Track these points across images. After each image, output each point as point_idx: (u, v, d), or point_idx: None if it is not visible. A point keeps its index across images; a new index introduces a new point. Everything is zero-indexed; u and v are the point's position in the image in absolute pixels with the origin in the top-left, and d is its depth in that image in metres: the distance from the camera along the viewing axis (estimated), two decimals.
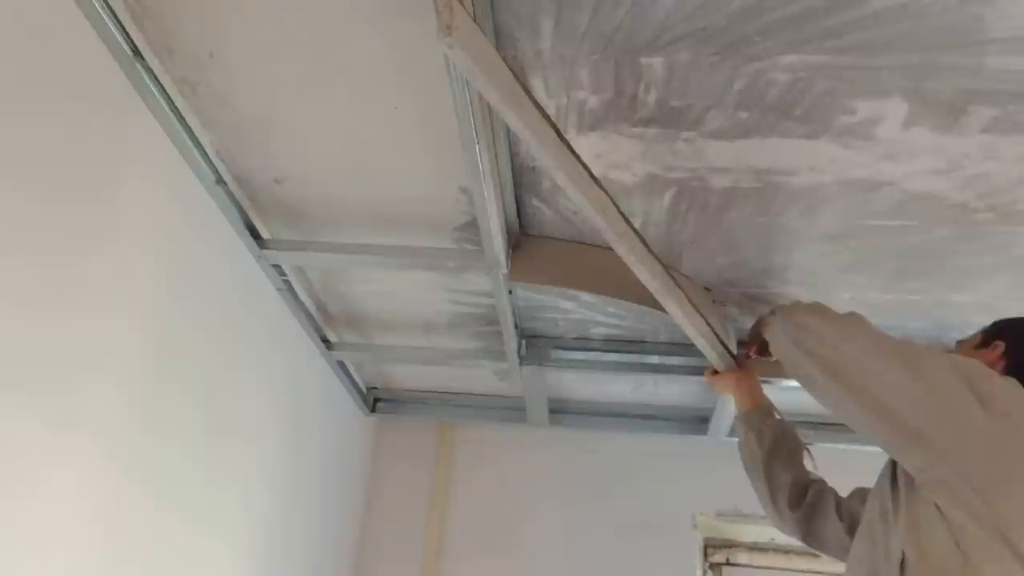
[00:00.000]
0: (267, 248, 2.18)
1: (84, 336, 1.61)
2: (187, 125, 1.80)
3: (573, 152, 1.63)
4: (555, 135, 1.58)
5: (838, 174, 1.85)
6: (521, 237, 2.20)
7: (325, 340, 2.78)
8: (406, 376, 3.38)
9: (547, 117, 1.55)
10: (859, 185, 1.87)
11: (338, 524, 3.22)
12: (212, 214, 2.02)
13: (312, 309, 2.64)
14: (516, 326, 2.65)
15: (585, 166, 1.66)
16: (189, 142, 1.82)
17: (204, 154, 1.88)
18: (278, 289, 2.37)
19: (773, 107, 1.67)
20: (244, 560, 2.39)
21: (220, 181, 1.95)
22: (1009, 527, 1.33)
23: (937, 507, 1.42)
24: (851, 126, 1.70)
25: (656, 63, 1.58)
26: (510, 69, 1.43)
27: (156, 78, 1.69)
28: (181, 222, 1.91)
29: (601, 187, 1.71)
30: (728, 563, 3.81)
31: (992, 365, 1.60)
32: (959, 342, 1.84)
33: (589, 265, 2.26)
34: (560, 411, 3.37)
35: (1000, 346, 1.67)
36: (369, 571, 3.40)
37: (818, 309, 1.85)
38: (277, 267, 2.29)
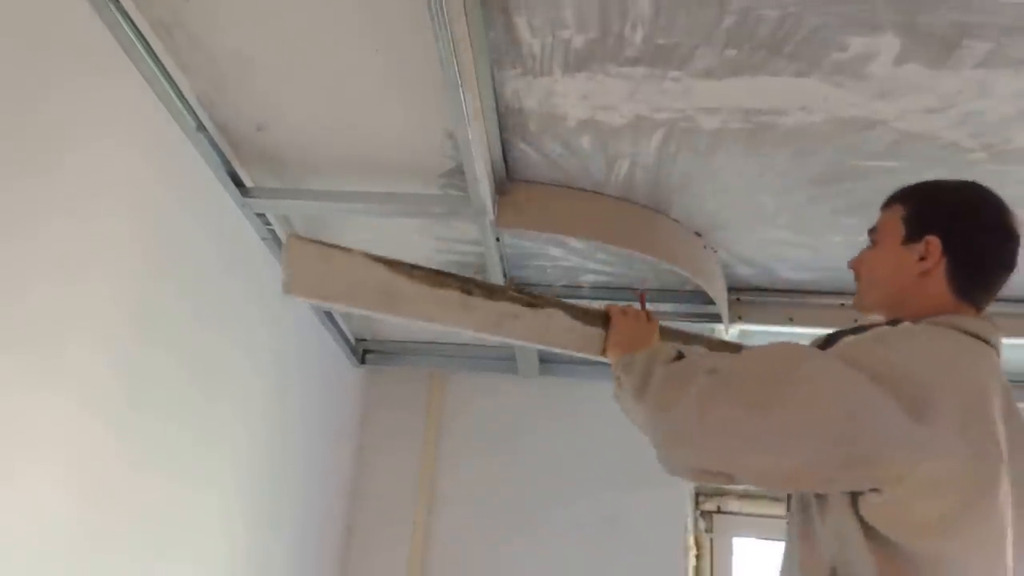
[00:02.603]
0: (250, 196, 2.16)
1: (59, 293, 1.59)
2: (165, 69, 1.78)
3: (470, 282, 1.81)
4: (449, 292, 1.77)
5: (829, 113, 1.83)
6: (508, 183, 2.18)
7: None
8: (395, 327, 3.36)
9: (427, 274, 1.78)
10: (851, 125, 1.86)
11: (329, 477, 3.23)
12: (193, 162, 1.99)
13: None
14: (505, 274, 2.64)
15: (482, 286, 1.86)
16: (168, 87, 1.79)
17: (184, 100, 1.85)
18: (263, 239, 2.34)
19: (763, 44, 1.65)
20: (235, 517, 2.39)
21: (201, 128, 1.92)
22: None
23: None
24: (843, 63, 1.68)
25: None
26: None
27: (131, 21, 1.66)
28: (160, 171, 1.88)
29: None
30: (719, 511, 3.83)
31: (928, 274, 1.38)
32: (872, 232, 1.51)
33: (577, 209, 2.24)
34: (550, 361, 3.38)
35: (935, 243, 1.38)
36: (361, 523, 3.42)
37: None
38: (261, 216, 2.27)
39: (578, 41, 1.68)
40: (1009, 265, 1.38)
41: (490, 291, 1.89)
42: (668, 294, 2.72)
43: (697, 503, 3.69)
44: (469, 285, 1.85)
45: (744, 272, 2.59)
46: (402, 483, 3.45)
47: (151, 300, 1.88)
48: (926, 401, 1.16)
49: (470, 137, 1.82)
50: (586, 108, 1.88)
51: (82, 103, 1.61)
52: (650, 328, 1.87)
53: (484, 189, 2.03)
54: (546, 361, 3.37)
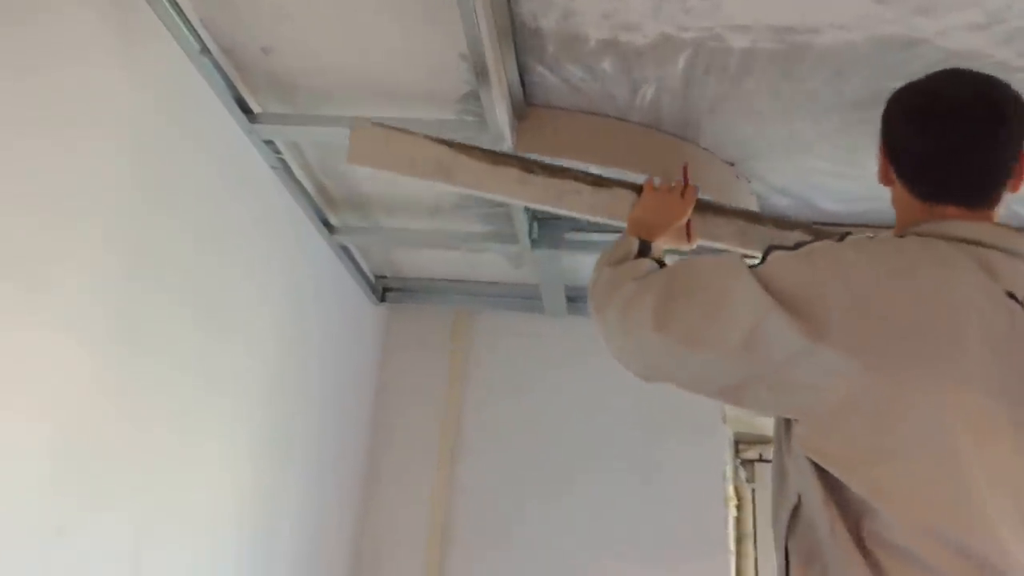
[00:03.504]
0: (258, 122, 2.17)
1: (44, 224, 1.58)
2: None
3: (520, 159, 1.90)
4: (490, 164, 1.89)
5: (867, 31, 1.80)
6: (526, 108, 2.17)
7: (327, 224, 2.79)
8: (416, 263, 3.39)
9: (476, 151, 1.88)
10: (890, 44, 1.82)
11: (347, 421, 3.29)
12: (197, 87, 2.00)
13: (311, 190, 2.64)
14: (526, 208, 2.64)
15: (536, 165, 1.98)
16: (168, 7, 1.79)
17: (186, 20, 1.85)
18: (272, 168, 2.36)
19: None
20: (242, 464, 2.43)
21: (204, 50, 1.93)
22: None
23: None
24: None
25: None
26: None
27: None
28: (160, 95, 1.89)
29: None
30: (761, 459, 3.84)
31: (893, 185, 1.39)
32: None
33: (601, 136, 2.23)
34: (579, 299, 3.37)
35: (882, 151, 1.41)
36: (381, 469, 3.47)
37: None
38: (270, 144, 2.28)
39: None
40: (956, 146, 1.29)
41: (552, 171, 2.05)
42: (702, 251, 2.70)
43: (737, 451, 3.69)
44: (531, 165, 2.03)
45: (781, 203, 2.56)
46: (424, 427, 3.49)
47: (146, 233, 1.88)
48: (826, 319, 1.18)
49: (485, 59, 1.81)
50: (607, 27, 1.86)
51: (71, 22, 1.61)
52: (680, 204, 1.91)
53: (501, 114, 2.03)
54: (574, 300, 3.37)
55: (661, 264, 1.58)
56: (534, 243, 2.78)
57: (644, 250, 1.64)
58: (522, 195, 2.03)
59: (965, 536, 1.08)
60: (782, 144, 2.26)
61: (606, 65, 1.99)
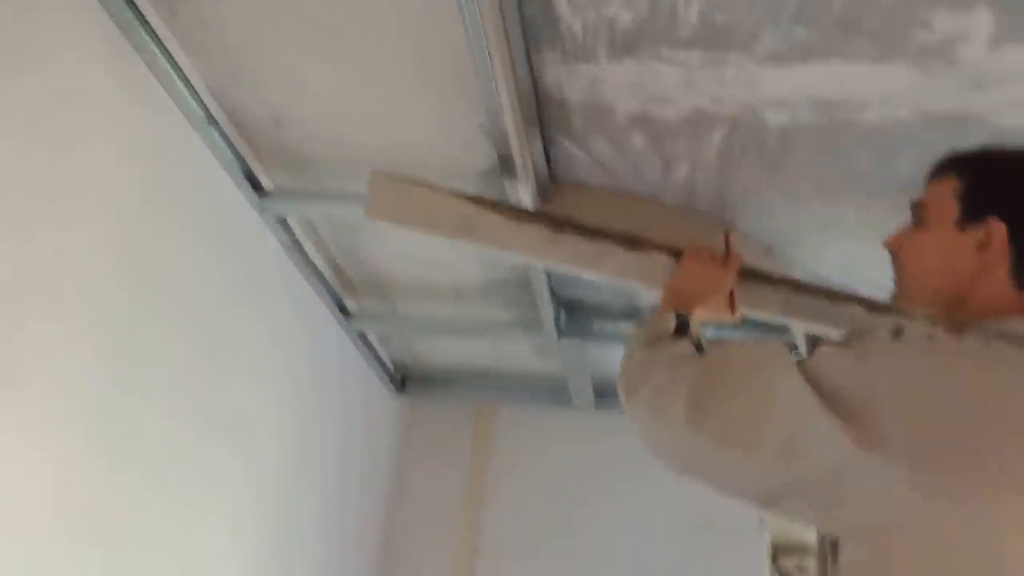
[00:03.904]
0: (268, 198, 2.10)
1: (14, 320, 1.47)
2: (167, 51, 1.72)
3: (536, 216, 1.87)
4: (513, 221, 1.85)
5: (916, 106, 1.71)
6: (552, 185, 2.09)
7: (343, 308, 2.71)
8: (438, 351, 3.30)
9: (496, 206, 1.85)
10: (942, 121, 1.73)
11: (361, 517, 3.16)
12: (202, 159, 1.93)
13: (326, 272, 2.56)
14: (552, 292, 2.56)
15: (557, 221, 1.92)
16: (171, 71, 1.74)
17: (191, 87, 1.80)
18: (284, 247, 2.29)
19: (838, 22, 1.53)
20: (249, 553, 2.30)
21: (211, 120, 1.87)
22: None
23: None
24: (929, 45, 1.55)
25: None
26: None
27: None
28: (160, 166, 1.82)
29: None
30: (799, 569, 3.69)
31: (987, 267, 1.25)
32: (918, 207, 1.41)
33: (632, 217, 2.13)
34: (608, 394, 3.28)
35: (998, 228, 1.24)
36: (396, 569, 3.33)
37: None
38: (282, 221, 2.21)
39: (625, 18, 1.58)
40: None
41: (583, 231, 1.97)
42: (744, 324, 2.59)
43: (775, 559, 3.55)
44: (561, 224, 1.95)
45: None
46: (442, 527, 3.37)
47: (135, 319, 1.77)
48: (878, 426, 1.08)
49: (507, 132, 1.74)
50: (636, 100, 1.79)
51: (64, 85, 1.55)
52: (721, 275, 1.82)
53: (524, 191, 1.95)
54: (602, 394, 3.26)
55: (699, 347, 1.48)
56: (561, 332, 2.69)
57: (681, 327, 1.55)
58: (550, 256, 1.95)
59: None
60: (823, 228, 2.16)
61: (636, 141, 1.91)
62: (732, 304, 1.87)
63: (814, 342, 1.27)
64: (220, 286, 2.07)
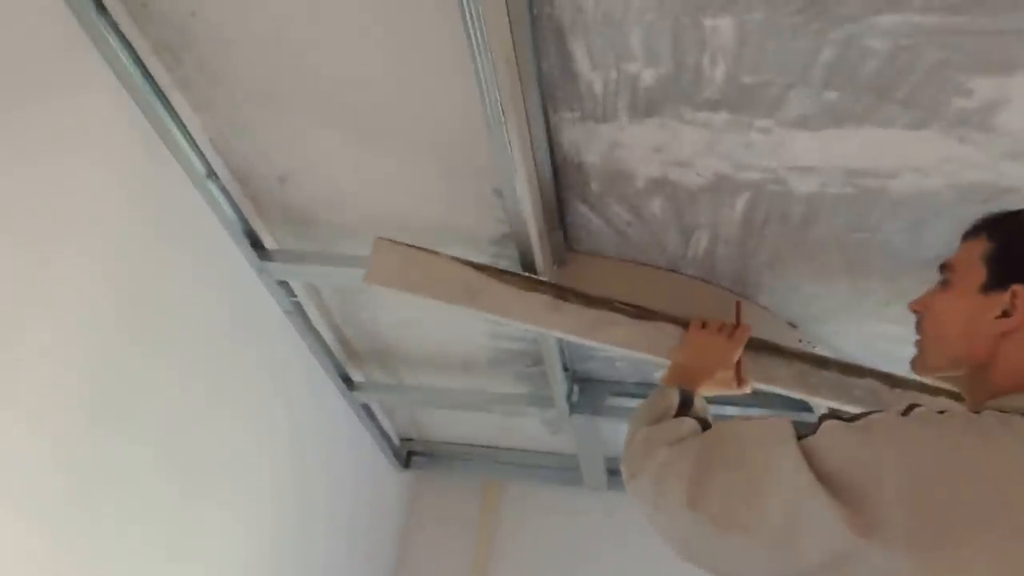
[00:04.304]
0: (270, 260, 2.03)
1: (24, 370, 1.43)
2: (168, 103, 1.66)
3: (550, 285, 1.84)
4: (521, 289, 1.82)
5: (950, 177, 1.63)
6: (567, 253, 2.02)
7: (346, 379, 2.62)
8: (445, 426, 3.20)
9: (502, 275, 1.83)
10: (975, 191, 1.65)
11: None
12: (201, 216, 1.86)
13: (330, 340, 2.48)
14: (565, 367, 2.47)
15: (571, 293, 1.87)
16: (171, 124, 1.68)
17: (191, 140, 1.74)
18: (286, 312, 2.21)
19: (869, 86, 1.46)
20: None
21: (212, 175, 1.81)
22: None
23: None
24: (967, 113, 1.48)
25: (723, 25, 1.40)
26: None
27: (125, 39, 1.54)
28: (156, 224, 1.75)
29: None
30: None
31: (1010, 336, 1.17)
32: (946, 267, 1.34)
33: (647, 290, 2.06)
34: (620, 472, 3.14)
35: (1023, 295, 1.16)
36: None
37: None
38: (284, 285, 2.13)
39: (648, 77, 1.52)
40: None
41: (589, 300, 1.91)
42: (763, 397, 2.48)
43: None
44: (566, 293, 1.90)
45: None
46: None
47: (123, 378, 1.69)
48: (878, 510, 0.99)
49: (521, 196, 1.67)
50: (657, 164, 1.72)
51: (55, 134, 1.48)
52: (727, 347, 1.77)
53: (538, 260, 1.88)
54: (615, 472, 3.15)
55: (705, 424, 1.40)
56: (573, 408, 2.60)
57: (686, 404, 1.48)
58: (553, 323, 1.88)
59: None
60: (850, 304, 2.08)
61: (655, 207, 1.84)
62: (740, 378, 1.80)
63: (823, 417, 1.17)
64: (218, 345, 2.00)
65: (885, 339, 2.17)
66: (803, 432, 1.14)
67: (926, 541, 0.96)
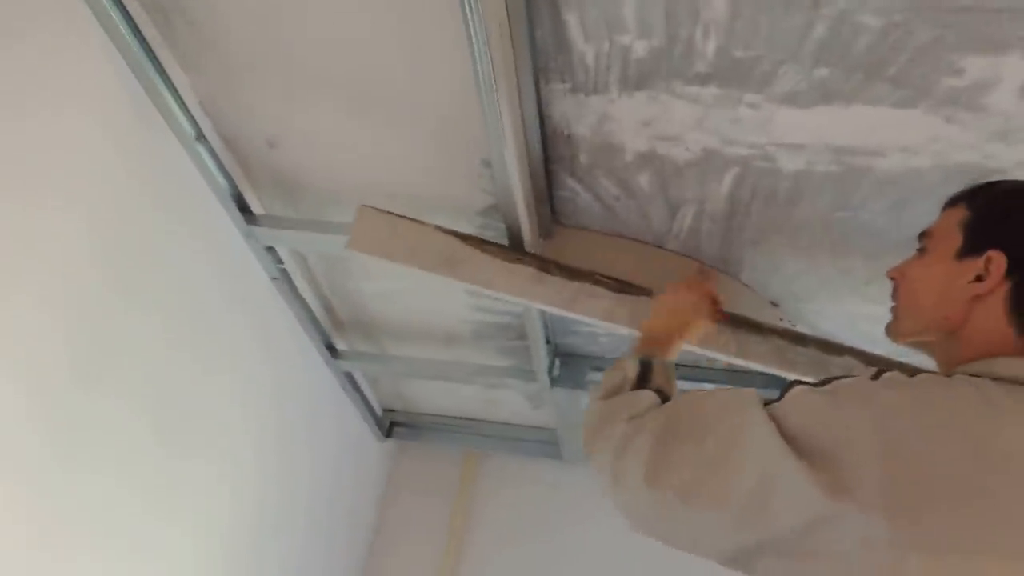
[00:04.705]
0: (258, 225, 1.97)
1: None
2: (158, 62, 1.61)
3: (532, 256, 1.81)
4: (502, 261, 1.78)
5: (937, 157, 1.60)
6: (553, 226, 1.98)
7: (331, 347, 2.58)
8: (427, 398, 3.17)
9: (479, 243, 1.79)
10: (961, 172, 1.62)
11: (339, 560, 2.99)
12: (189, 178, 1.81)
13: (316, 308, 2.43)
14: (548, 341, 2.44)
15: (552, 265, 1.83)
16: (161, 84, 1.63)
17: (180, 101, 1.69)
18: (272, 279, 2.16)
19: (860, 63, 1.43)
20: None
21: (201, 137, 1.76)
22: None
23: None
24: (957, 92, 1.45)
25: None
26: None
27: (120, 2, 1.50)
28: (148, 183, 1.70)
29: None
30: None
31: (982, 300, 1.15)
32: (924, 235, 1.33)
33: (633, 267, 2.02)
34: None
35: (998, 260, 1.14)
36: None
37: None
38: (271, 251, 2.09)
39: (640, 49, 1.48)
40: None
41: (572, 272, 1.87)
42: (735, 375, 2.47)
43: None
44: (548, 265, 1.86)
45: None
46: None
47: (106, 334, 1.64)
48: (851, 472, 0.96)
49: (509, 166, 1.63)
50: (646, 138, 1.68)
51: (44, 89, 1.43)
52: (691, 297, 1.74)
53: (525, 233, 1.84)
54: None
55: (664, 396, 1.35)
56: (554, 381, 2.57)
57: (645, 374, 1.42)
58: (535, 295, 1.84)
59: None
60: (831, 283, 2.05)
61: (643, 182, 1.81)
62: (717, 312, 1.80)
63: (789, 384, 1.13)
64: (203, 308, 1.95)
65: (865, 319, 2.15)
66: (768, 400, 1.11)
67: (904, 503, 0.93)
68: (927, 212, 1.72)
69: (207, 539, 2.10)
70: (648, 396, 1.33)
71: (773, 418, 1.06)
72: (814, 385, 1.09)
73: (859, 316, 2.14)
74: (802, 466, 0.98)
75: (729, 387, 1.29)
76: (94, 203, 1.58)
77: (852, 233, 1.85)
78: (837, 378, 1.09)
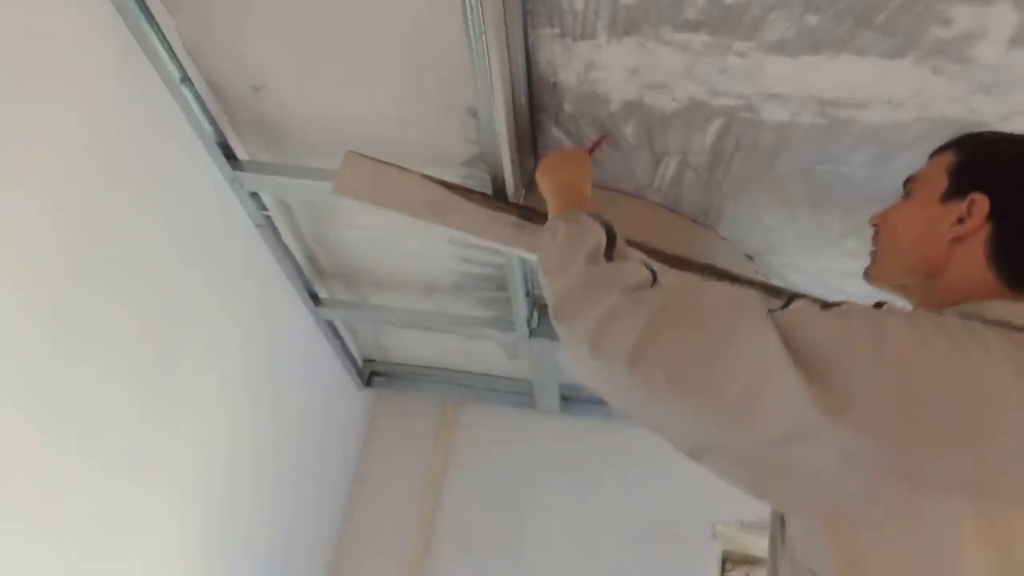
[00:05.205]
0: (242, 170, 1.90)
1: None
2: (143, 3, 1.53)
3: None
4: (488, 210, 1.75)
5: (922, 109, 1.57)
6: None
7: (313, 295, 2.52)
8: (407, 349, 3.13)
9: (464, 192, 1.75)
10: (946, 125, 1.59)
11: (317, 508, 2.96)
12: (174, 122, 1.74)
13: (298, 255, 2.37)
14: (528, 292, 2.40)
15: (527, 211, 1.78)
16: (146, 25, 1.55)
17: (165, 43, 1.61)
18: (257, 225, 2.09)
19: (850, 10, 1.39)
20: (190, 550, 2.08)
21: (186, 80, 1.68)
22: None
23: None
24: (944, 43, 1.41)
25: None
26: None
27: None
28: (133, 129, 1.63)
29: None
30: None
31: (962, 242, 1.13)
32: (910, 180, 1.28)
33: (618, 217, 1.97)
34: (573, 398, 3.16)
35: (981, 202, 1.12)
36: (348, 563, 3.17)
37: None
38: (255, 197, 2.02)
39: None
40: None
41: None
42: None
43: (724, 569, 3.44)
44: (531, 214, 1.80)
45: None
46: (398, 524, 3.19)
47: (79, 285, 1.55)
48: (849, 391, 0.93)
49: (495, 115, 1.57)
50: (633, 86, 1.63)
51: (22, 26, 1.34)
52: (575, 153, 1.69)
53: (509, 183, 1.79)
54: (568, 398, 3.12)
55: (653, 273, 1.24)
56: (532, 332, 2.53)
57: (612, 240, 1.32)
58: (519, 243, 1.79)
59: None
60: (806, 238, 2.02)
61: (628, 131, 1.76)
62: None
63: (790, 297, 1.09)
64: (184, 251, 1.87)
65: (838, 274, 2.13)
66: (771, 307, 1.07)
67: (894, 429, 0.91)
68: (907, 166, 1.67)
69: (189, 485, 2.06)
70: (643, 271, 1.22)
71: (776, 324, 1.02)
72: (821, 305, 1.05)
73: (830, 271, 2.12)
74: (799, 376, 0.95)
75: (733, 285, 1.24)
76: (67, 148, 1.49)
77: (832, 186, 1.82)
78: (841, 303, 1.05)
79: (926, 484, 0.90)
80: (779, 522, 1.06)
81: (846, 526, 0.93)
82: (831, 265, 2.10)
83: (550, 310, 1.27)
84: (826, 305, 1.06)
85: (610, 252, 1.30)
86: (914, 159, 1.67)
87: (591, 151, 1.73)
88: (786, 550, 1.03)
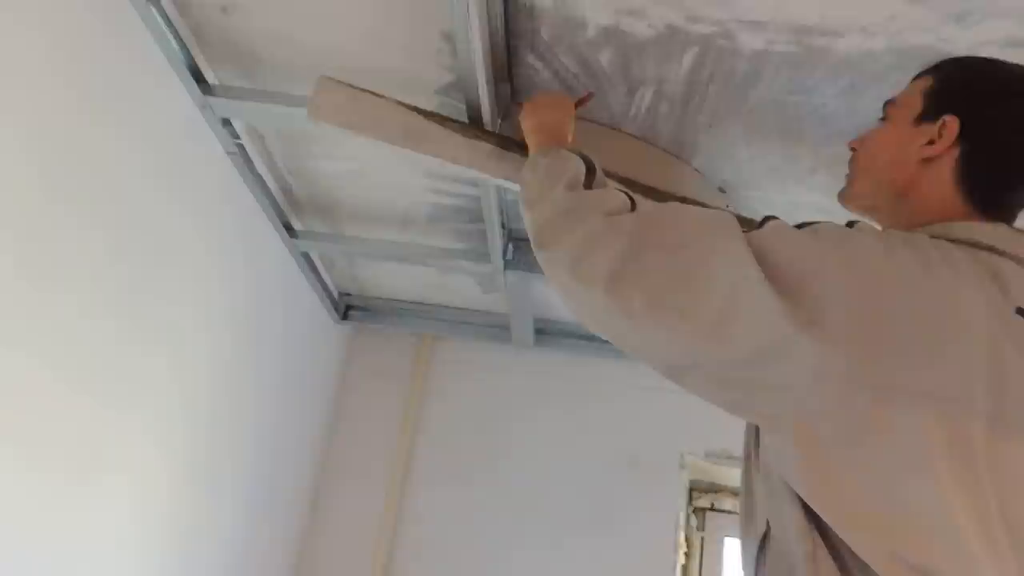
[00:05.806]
0: (213, 95, 1.83)
1: None
2: None
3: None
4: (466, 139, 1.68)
5: (892, 38, 1.53)
6: (512, 106, 1.87)
7: (288, 227, 2.46)
8: (383, 282, 3.08)
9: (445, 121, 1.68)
10: (914, 55, 1.55)
11: (296, 441, 2.93)
12: (143, 44, 1.65)
13: (272, 185, 2.30)
14: (503, 225, 2.35)
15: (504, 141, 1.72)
16: None
17: None
18: (229, 153, 2.02)
19: None
20: (158, 500, 2.03)
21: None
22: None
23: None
24: None
25: None
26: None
27: None
28: (101, 52, 1.55)
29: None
30: (712, 508, 3.66)
31: (931, 162, 1.12)
32: (888, 104, 1.26)
33: (595, 148, 1.92)
34: (547, 332, 3.15)
35: (951, 124, 1.11)
36: (330, 489, 3.15)
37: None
38: (227, 124, 1.95)
39: None
40: None
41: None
42: None
43: (691, 498, 3.47)
44: (509, 143, 1.74)
45: None
46: (377, 456, 3.17)
47: (52, 217, 1.49)
48: (820, 306, 0.93)
49: (471, 40, 1.51)
50: (610, 11, 1.57)
51: None
52: (567, 106, 1.63)
53: (485, 111, 1.73)
54: (542, 332, 3.11)
55: (631, 198, 1.23)
56: (507, 264, 2.48)
57: (591, 171, 1.31)
58: (496, 171, 1.74)
59: (935, 563, 0.86)
60: (778, 171, 1.99)
61: (604, 59, 1.71)
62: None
63: (765, 218, 1.07)
64: (154, 180, 1.80)
65: (804, 208, 2.10)
66: (746, 228, 1.06)
67: (865, 343, 0.91)
68: (876, 99, 1.63)
69: (171, 416, 2.01)
70: (622, 197, 1.21)
71: (750, 244, 1.01)
72: (795, 225, 1.05)
73: (798, 204, 2.09)
74: (773, 292, 0.95)
75: (707, 208, 1.22)
76: (35, 76, 1.41)
77: (803, 118, 1.78)
78: (814, 222, 1.05)
79: (894, 396, 0.89)
80: (754, 440, 1.06)
81: (819, 440, 0.92)
82: (801, 199, 2.07)
83: (532, 239, 1.25)
84: (800, 225, 1.05)
85: (590, 181, 1.29)
86: (883, 92, 1.62)
87: (578, 104, 1.68)
88: (760, 466, 1.03)
